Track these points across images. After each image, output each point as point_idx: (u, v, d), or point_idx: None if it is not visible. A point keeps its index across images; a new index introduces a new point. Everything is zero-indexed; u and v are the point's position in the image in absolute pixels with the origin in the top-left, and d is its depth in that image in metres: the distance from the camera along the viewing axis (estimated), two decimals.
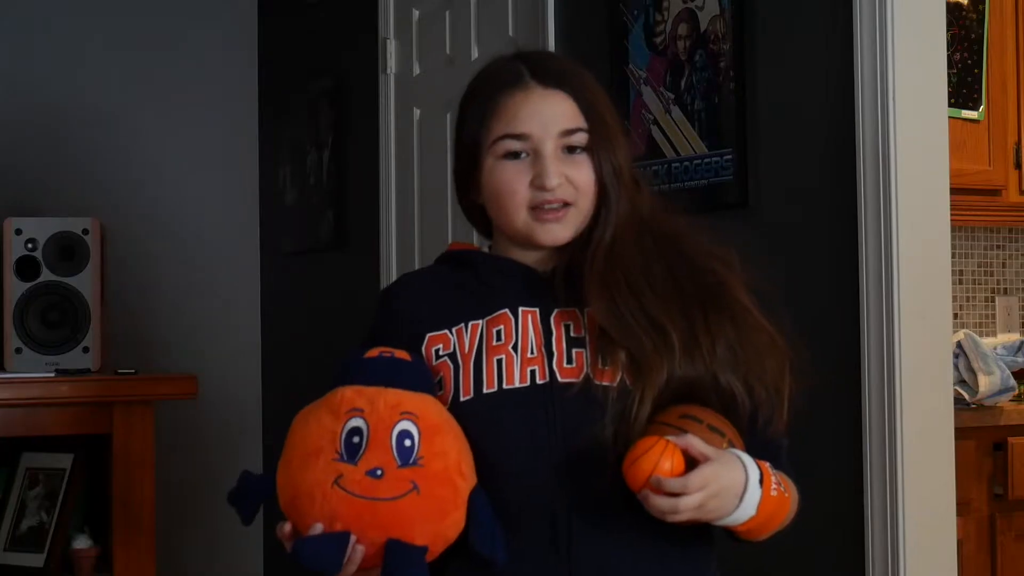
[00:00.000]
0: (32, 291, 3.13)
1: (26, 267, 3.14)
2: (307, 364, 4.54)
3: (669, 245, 1.75)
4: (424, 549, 1.60)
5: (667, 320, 1.67)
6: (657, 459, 1.55)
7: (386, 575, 1.58)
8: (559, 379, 1.68)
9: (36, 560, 3.09)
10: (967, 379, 3.57)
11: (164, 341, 4.70)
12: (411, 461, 1.60)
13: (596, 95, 1.76)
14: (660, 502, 1.55)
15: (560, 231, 1.72)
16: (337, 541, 1.58)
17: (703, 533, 1.71)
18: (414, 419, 1.62)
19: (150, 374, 3.30)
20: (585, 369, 1.68)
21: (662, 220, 1.78)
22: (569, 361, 1.69)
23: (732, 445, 1.64)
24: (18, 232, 3.14)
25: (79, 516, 3.22)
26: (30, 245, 3.14)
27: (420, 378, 1.68)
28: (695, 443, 1.57)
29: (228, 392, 4.74)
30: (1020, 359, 3.92)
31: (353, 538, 1.58)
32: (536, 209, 1.71)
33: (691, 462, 1.57)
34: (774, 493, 1.61)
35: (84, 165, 4.67)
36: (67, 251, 3.16)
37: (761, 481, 1.60)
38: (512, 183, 1.72)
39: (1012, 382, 3.62)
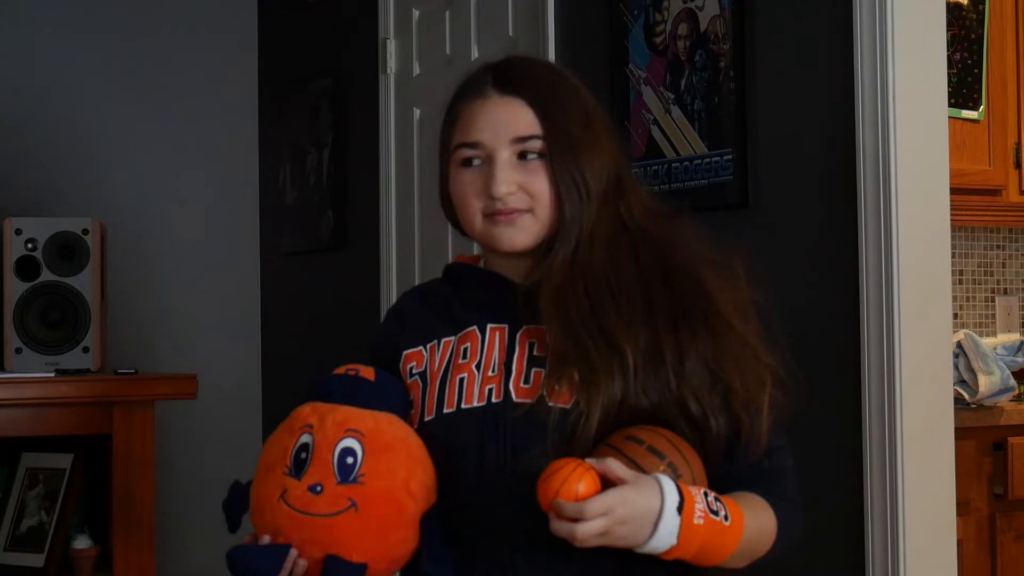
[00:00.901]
0: (32, 291, 3.13)
1: (26, 267, 3.14)
2: (307, 364, 4.54)
3: (653, 255, 1.69)
4: (363, 566, 1.60)
5: (625, 336, 1.61)
6: (562, 481, 1.50)
7: None
8: (513, 399, 1.66)
9: (36, 560, 3.09)
10: (967, 379, 3.57)
11: (164, 341, 4.69)
12: (351, 478, 1.61)
13: (563, 102, 1.71)
14: (558, 526, 1.50)
15: (516, 235, 1.69)
16: (276, 552, 1.59)
17: (662, 564, 1.59)
18: (359, 437, 1.63)
19: (150, 374, 3.30)
20: (541, 389, 1.64)
21: (650, 228, 1.72)
22: (526, 381, 1.66)
23: (674, 468, 1.56)
24: (18, 232, 3.14)
25: (79, 516, 3.22)
26: (30, 245, 3.14)
27: (382, 396, 1.69)
28: (613, 467, 1.51)
29: (228, 392, 4.74)
30: (1020, 359, 3.92)
31: (294, 552, 1.59)
32: (489, 216, 1.70)
33: (612, 487, 1.51)
34: (699, 521, 1.52)
35: (84, 165, 4.67)
36: (67, 251, 3.16)
37: (681, 508, 1.51)
38: (467, 191, 1.71)
39: (1012, 382, 3.62)
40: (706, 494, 1.55)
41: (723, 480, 1.64)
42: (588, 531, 1.48)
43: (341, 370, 1.71)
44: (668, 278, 1.67)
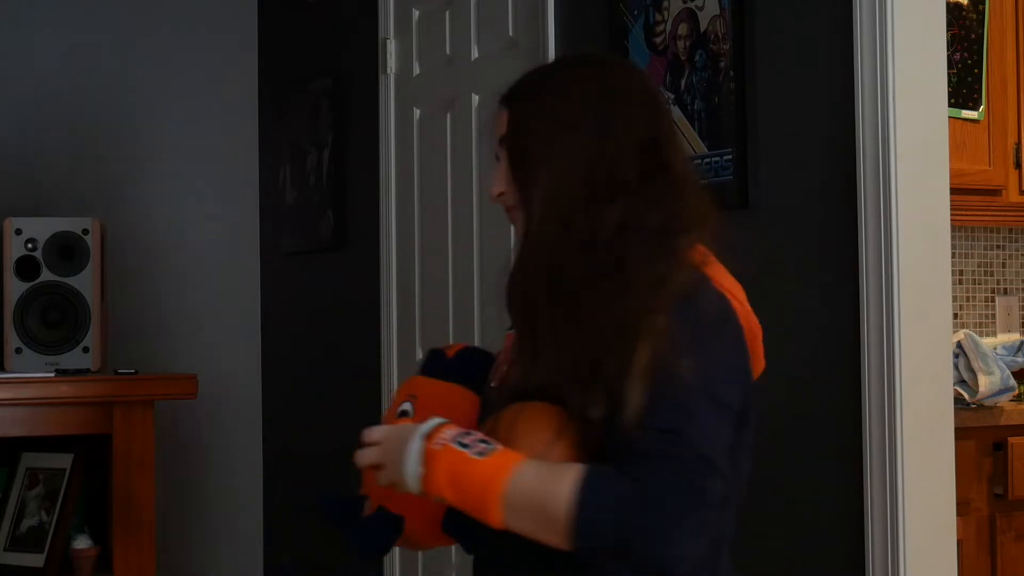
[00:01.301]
0: (32, 291, 3.13)
1: (26, 267, 3.14)
2: (307, 364, 4.54)
3: (609, 241, 1.62)
4: (400, 519, 1.71)
5: (544, 326, 1.60)
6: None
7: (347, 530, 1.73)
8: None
9: (36, 560, 3.09)
10: (967, 379, 3.57)
11: (164, 341, 4.69)
12: None
13: (536, 99, 1.71)
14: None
15: (517, 231, 1.74)
16: (350, 501, 1.77)
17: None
18: (414, 401, 1.76)
19: (150, 374, 3.30)
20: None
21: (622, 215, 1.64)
22: None
23: (487, 440, 1.58)
24: (18, 232, 3.14)
25: (79, 516, 3.22)
26: (30, 245, 3.14)
27: (458, 371, 1.81)
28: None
29: (228, 392, 4.73)
30: (1020, 359, 3.92)
31: (368, 505, 1.75)
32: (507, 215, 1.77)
33: None
34: (437, 446, 1.56)
35: (84, 165, 4.67)
36: (67, 251, 3.16)
37: (429, 435, 1.58)
38: None
39: (1012, 382, 3.62)
40: (468, 433, 1.58)
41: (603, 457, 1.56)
42: (364, 456, 1.66)
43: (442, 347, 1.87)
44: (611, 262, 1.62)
